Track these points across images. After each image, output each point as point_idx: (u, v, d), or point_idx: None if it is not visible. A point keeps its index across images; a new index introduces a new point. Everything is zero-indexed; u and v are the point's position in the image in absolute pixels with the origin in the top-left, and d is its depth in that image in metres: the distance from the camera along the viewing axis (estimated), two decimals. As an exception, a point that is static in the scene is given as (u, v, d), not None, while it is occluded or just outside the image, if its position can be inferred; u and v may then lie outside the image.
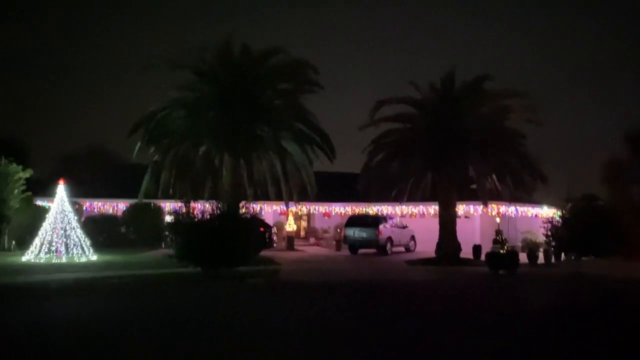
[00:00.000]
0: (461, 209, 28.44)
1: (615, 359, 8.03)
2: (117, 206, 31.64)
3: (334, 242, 31.43)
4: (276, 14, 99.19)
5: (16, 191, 26.61)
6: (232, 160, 23.81)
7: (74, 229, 21.50)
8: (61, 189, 21.68)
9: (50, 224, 21.30)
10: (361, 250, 28.93)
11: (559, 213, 22.38)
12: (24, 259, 20.82)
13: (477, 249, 25.65)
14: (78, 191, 25.82)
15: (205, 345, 8.08)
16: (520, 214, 31.58)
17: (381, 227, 28.48)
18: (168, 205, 28.61)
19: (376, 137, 25.99)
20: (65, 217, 21.48)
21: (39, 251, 20.83)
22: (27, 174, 27.00)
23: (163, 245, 24.39)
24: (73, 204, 22.84)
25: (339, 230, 31.74)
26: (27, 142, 41.21)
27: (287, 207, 27.03)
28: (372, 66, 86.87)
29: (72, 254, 21.06)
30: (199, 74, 23.94)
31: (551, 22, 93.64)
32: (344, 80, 78.30)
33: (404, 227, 30.84)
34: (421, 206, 31.07)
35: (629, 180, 31.16)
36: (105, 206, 32.10)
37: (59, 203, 21.54)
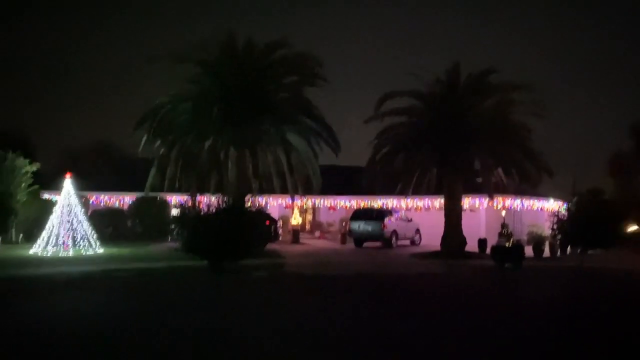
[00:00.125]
0: (466, 202, 28.27)
1: (621, 356, 7.98)
2: (123, 200, 31.77)
3: (339, 236, 31.44)
4: (281, 8, 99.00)
5: (23, 185, 26.82)
6: (237, 153, 23.84)
7: (80, 222, 21.64)
8: (68, 183, 21.81)
9: (57, 217, 21.45)
10: (366, 244, 28.96)
11: (565, 206, 22.32)
12: (31, 252, 20.99)
13: (482, 242, 25.61)
14: (84, 185, 25.93)
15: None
16: (525, 207, 31.44)
17: (386, 220, 28.46)
18: (174, 199, 28.78)
19: (381, 131, 25.94)
20: (72, 211, 21.62)
21: (46, 244, 20.99)
22: (34, 167, 27.20)
23: (169, 239, 24.48)
24: (80, 197, 22.96)
25: (344, 223, 31.73)
26: (33, 137, 41.56)
27: (293, 200, 27.03)
28: (377, 61, 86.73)
29: (79, 247, 21.22)
30: (203, 68, 23.96)
31: (554, 18, 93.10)
32: (350, 75, 78.24)
33: (409, 220, 30.80)
34: (426, 199, 30.94)
35: (634, 174, 31.07)
36: (111, 199, 32.26)
37: (66, 196, 21.67)
